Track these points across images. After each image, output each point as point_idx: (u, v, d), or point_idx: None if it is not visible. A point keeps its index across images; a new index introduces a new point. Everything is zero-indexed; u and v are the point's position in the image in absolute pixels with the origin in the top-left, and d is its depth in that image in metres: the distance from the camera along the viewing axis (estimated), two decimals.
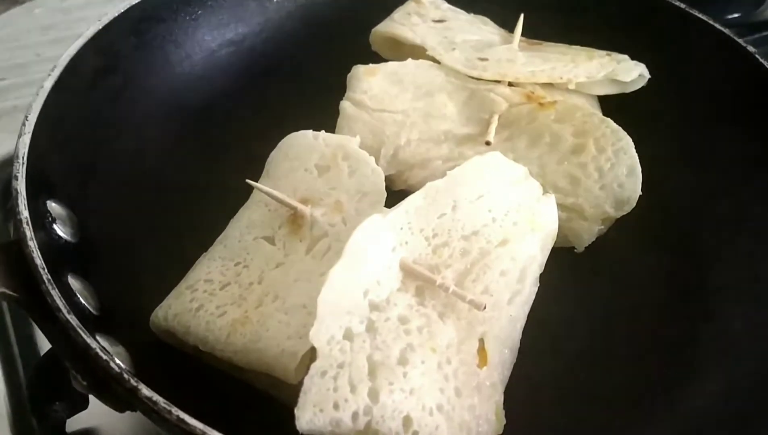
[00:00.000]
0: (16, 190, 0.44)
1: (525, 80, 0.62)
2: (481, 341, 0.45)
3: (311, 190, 0.52)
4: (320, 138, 0.55)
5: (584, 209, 0.56)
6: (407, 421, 0.39)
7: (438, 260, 0.47)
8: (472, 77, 0.63)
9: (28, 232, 0.41)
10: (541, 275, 0.51)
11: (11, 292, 0.38)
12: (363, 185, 0.51)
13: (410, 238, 0.47)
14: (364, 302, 0.43)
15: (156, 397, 0.35)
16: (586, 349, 0.52)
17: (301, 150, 0.55)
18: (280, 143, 0.56)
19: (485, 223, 0.49)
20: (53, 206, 0.47)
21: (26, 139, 0.47)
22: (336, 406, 0.37)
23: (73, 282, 0.44)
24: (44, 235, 0.44)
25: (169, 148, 0.61)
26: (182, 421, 0.34)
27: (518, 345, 0.47)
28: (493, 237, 0.48)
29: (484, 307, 0.44)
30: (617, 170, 0.57)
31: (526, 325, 0.48)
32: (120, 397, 0.36)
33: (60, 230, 0.47)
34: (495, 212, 0.49)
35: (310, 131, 0.55)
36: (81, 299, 0.43)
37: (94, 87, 0.58)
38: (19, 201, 0.43)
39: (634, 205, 0.56)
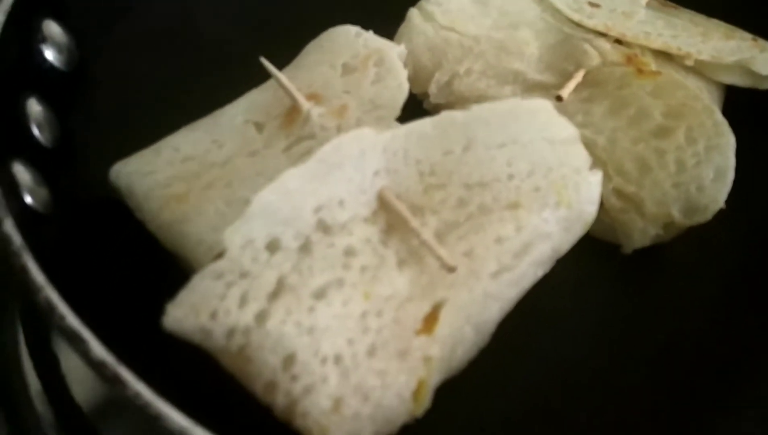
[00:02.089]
0: None
1: (633, 40, 0.51)
2: (437, 308, 0.37)
3: (326, 87, 0.45)
4: (362, 37, 0.48)
5: (645, 204, 0.45)
6: (289, 360, 0.32)
7: (426, 202, 0.39)
8: (573, 21, 0.53)
9: None
10: (565, 267, 0.42)
11: None
12: (380, 96, 0.44)
13: (402, 167, 0.39)
14: (311, 218, 0.36)
15: (15, 236, 0.31)
16: (597, 382, 0.43)
17: (337, 45, 0.48)
18: (322, 34, 0.50)
19: (498, 176, 0.40)
20: (52, 28, 0.44)
21: None
22: (213, 316, 0.32)
23: (35, 106, 0.41)
24: (21, 49, 0.41)
25: (215, 15, 0.56)
26: (25, 270, 0.30)
27: (491, 329, 0.39)
28: (502, 195, 0.40)
29: (453, 270, 0.37)
30: (702, 170, 0.45)
31: (526, 326, 0.40)
32: None
33: (49, 54, 0.43)
34: (515, 168, 0.40)
35: (355, 27, 0.49)
36: (32, 124, 0.40)
37: None
38: (1, 5, 0.40)
39: (710, 217, 0.45)
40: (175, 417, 0.27)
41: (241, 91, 0.48)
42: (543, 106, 0.43)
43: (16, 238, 0.31)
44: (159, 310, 0.33)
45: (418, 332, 0.36)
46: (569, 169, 0.42)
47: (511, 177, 0.40)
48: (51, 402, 0.45)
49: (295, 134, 0.42)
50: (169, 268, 0.41)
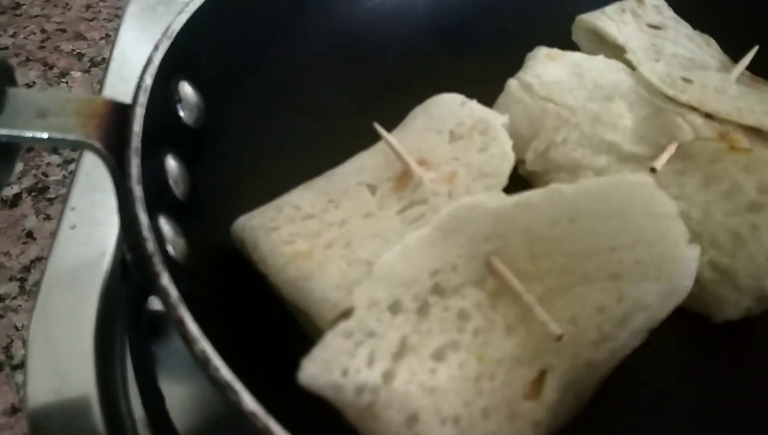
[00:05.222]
0: (151, 59, 0.44)
1: (726, 116, 0.53)
2: (543, 373, 0.39)
3: (434, 153, 0.48)
4: (468, 106, 0.51)
5: (739, 277, 0.47)
6: (413, 419, 0.34)
7: (531, 269, 0.41)
8: (666, 96, 0.55)
9: (142, 98, 0.42)
10: (655, 335, 0.44)
11: (99, 146, 0.39)
12: (487, 165, 0.46)
13: (510, 234, 0.42)
14: (428, 281, 0.39)
15: (172, 289, 0.34)
16: None
17: (443, 112, 0.51)
18: (428, 100, 0.53)
19: (601, 248, 0.42)
20: (185, 88, 0.48)
21: (183, 17, 0.48)
22: (345, 373, 0.34)
23: (171, 162, 0.44)
24: (162, 109, 0.44)
25: (325, 79, 0.59)
26: (182, 322, 0.32)
27: (590, 395, 0.41)
28: (605, 266, 0.42)
29: (560, 338, 0.38)
30: None
31: (614, 392, 0.42)
32: (144, 280, 0.35)
33: (182, 112, 0.47)
34: (618, 240, 0.42)
35: (461, 96, 0.52)
36: (170, 179, 0.43)
37: None
38: (148, 69, 0.43)
39: None
40: None
41: (347, 149, 0.51)
42: (644, 181, 0.44)
43: (173, 291, 0.34)
44: (283, 362, 0.36)
45: (527, 396, 0.38)
46: (669, 243, 0.43)
47: (614, 249, 0.42)
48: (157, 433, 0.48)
49: (408, 198, 0.45)
50: (287, 318, 0.44)
